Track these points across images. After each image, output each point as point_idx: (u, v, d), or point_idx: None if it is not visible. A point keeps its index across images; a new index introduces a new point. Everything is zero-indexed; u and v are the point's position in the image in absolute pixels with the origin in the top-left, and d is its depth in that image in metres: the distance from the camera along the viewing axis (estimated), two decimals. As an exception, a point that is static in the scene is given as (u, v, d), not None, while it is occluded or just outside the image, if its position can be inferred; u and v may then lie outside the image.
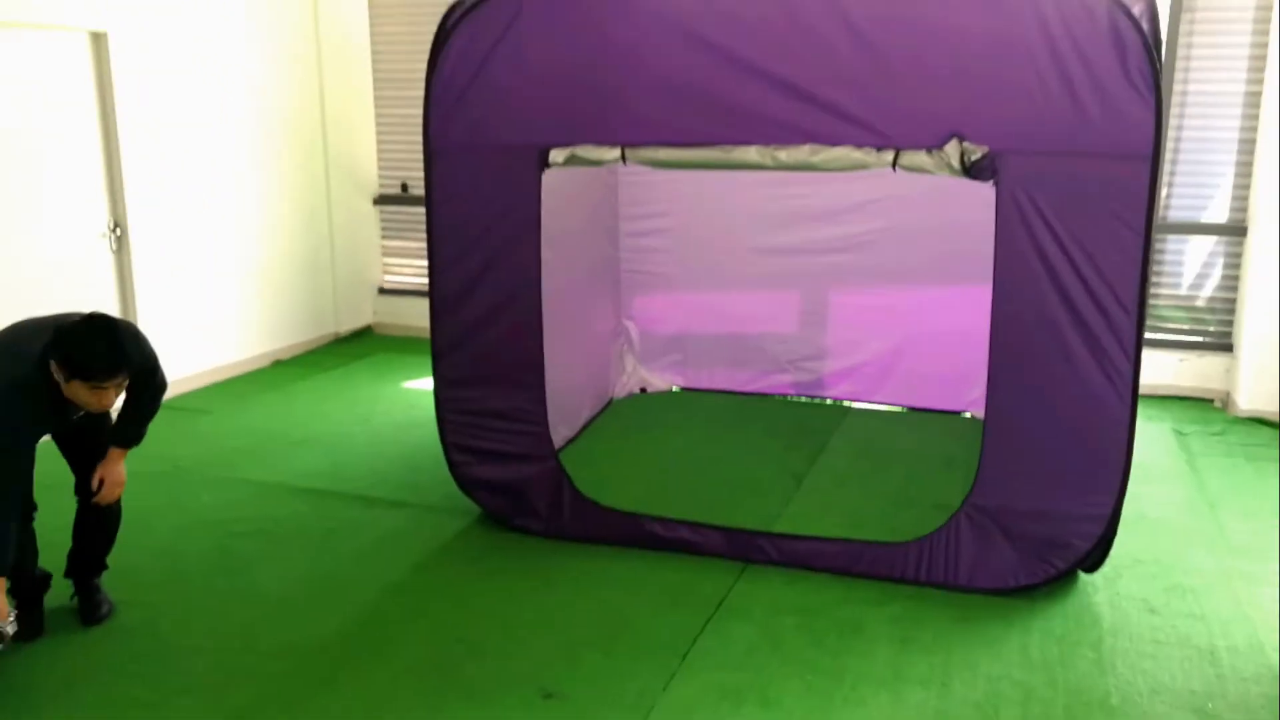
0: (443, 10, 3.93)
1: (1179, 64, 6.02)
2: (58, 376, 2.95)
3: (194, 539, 4.24)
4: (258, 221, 6.96)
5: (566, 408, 5.33)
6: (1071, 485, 3.54)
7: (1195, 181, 6.18)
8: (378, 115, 7.75)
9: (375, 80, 7.68)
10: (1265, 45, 5.78)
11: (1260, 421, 5.76)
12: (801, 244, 5.79)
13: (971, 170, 3.35)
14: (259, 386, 6.55)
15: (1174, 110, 6.09)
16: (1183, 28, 5.95)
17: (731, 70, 3.50)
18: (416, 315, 7.44)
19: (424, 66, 3.91)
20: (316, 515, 4.48)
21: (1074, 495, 3.54)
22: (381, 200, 7.91)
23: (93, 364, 2.92)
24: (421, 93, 3.92)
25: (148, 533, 4.23)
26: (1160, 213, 6.25)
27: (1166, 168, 6.18)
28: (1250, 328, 5.82)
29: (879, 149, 3.42)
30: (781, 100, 3.48)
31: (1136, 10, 3.22)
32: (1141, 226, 3.29)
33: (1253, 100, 5.91)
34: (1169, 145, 6.14)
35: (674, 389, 6.25)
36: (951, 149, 3.33)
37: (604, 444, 5.36)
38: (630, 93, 3.64)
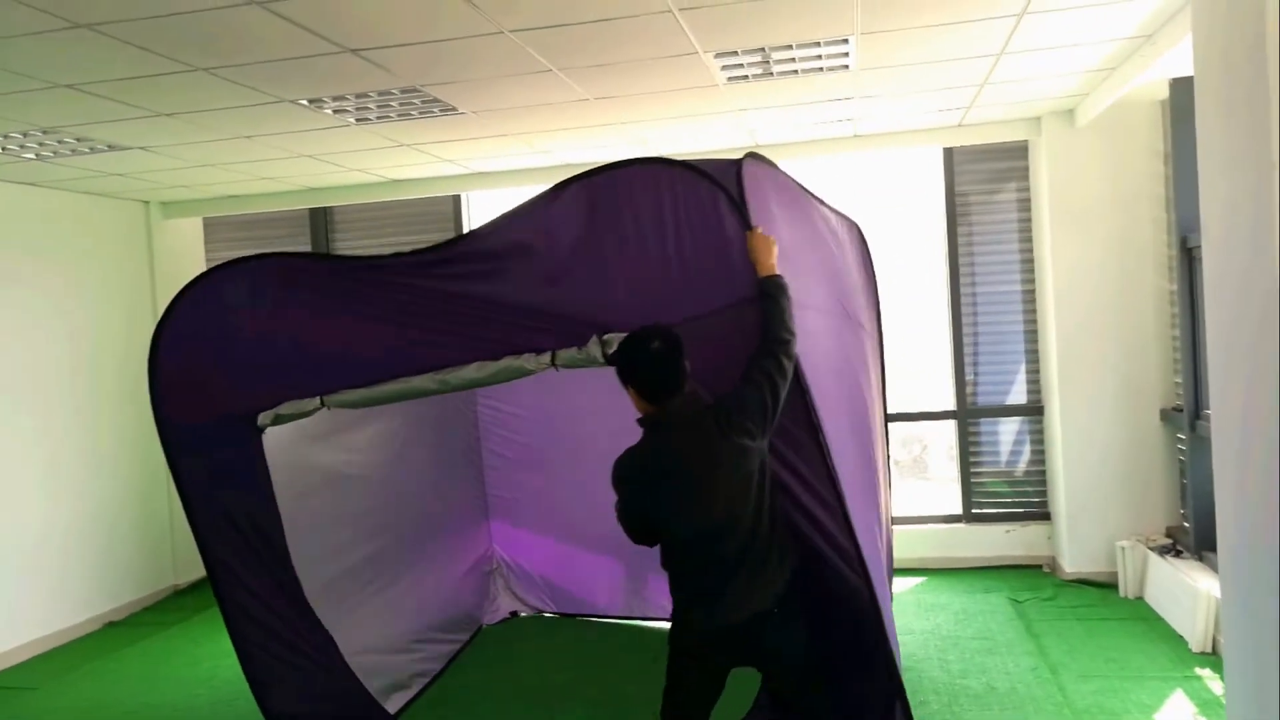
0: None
1: (964, 269, 6.79)
2: None
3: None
4: (80, 470, 6.71)
5: (426, 642, 5.26)
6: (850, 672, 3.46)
7: (995, 369, 6.86)
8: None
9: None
10: (1031, 251, 6.64)
11: (1085, 583, 6.19)
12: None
13: (611, 359, 3.39)
14: (88, 654, 6.14)
15: (968, 308, 6.82)
16: (961, 238, 6.77)
17: (398, 316, 3.74)
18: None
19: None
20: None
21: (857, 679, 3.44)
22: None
23: None
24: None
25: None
26: (969, 398, 6.87)
27: (969, 358, 6.86)
28: (1062, 497, 6.36)
29: (538, 353, 3.55)
30: (448, 329, 3.69)
31: (735, 193, 3.35)
32: (804, 391, 3.24)
33: (1029, 297, 6.70)
34: (970, 338, 6.84)
35: (546, 614, 6.22)
36: (593, 344, 3.45)
37: (473, 674, 5.25)
38: (319, 351, 3.83)
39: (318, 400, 3.82)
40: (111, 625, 6.69)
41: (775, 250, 3.22)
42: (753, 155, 3.59)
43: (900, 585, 6.39)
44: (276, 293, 3.87)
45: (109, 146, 5.45)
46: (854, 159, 6.90)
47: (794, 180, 4.28)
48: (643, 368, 3.02)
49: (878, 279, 5.53)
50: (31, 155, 5.55)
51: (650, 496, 3.03)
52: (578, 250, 3.47)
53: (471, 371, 3.62)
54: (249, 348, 3.88)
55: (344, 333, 3.79)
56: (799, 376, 3.18)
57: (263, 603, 4.18)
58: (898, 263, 7.06)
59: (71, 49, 3.77)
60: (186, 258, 7.61)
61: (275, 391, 3.86)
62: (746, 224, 3.24)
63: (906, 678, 4.79)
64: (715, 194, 3.29)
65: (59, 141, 5.27)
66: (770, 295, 3.13)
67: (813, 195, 4.52)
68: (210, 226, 7.79)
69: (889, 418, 7.06)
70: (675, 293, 3.33)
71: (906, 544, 6.79)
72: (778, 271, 3.18)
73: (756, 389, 3.00)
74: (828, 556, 3.22)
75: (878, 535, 3.98)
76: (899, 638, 5.41)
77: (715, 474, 2.96)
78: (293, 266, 3.98)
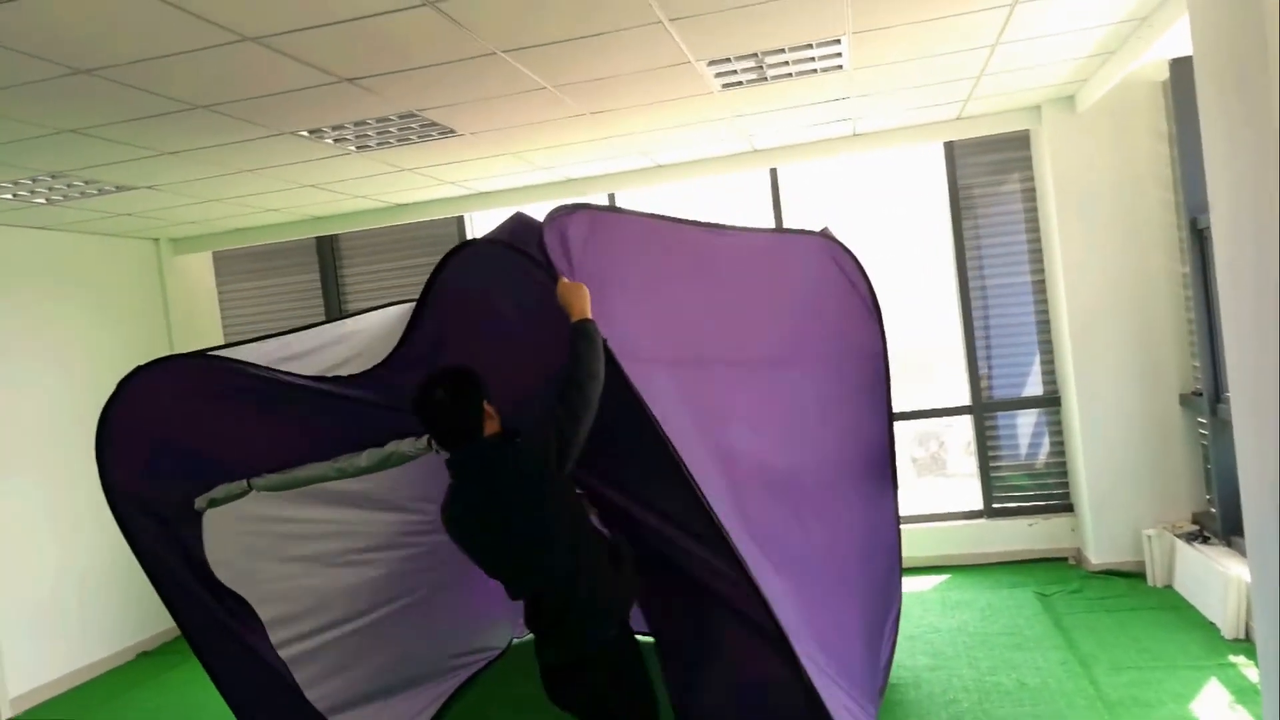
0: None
1: (971, 263, 6.76)
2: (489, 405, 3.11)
3: None
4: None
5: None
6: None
7: (1009, 361, 6.82)
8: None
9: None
10: (1039, 241, 6.60)
11: (1112, 574, 6.13)
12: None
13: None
14: (127, 683, 6.18)
15: (978, 302, 6.78)
16: (967, 231, 6.73)
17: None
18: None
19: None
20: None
21: None
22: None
23: None
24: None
25: None
26: (985, 392, 6.83)
27: (982, 352, 6.82)
28: (1085, 487, 6.30)
29: (416, 438, 3.71)
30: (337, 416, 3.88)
31: (537, 254, 3.38)
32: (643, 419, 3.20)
33: (1040, 287, 6.66)
34: (981, 331, 6.80)
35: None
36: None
37: (497, 688, 5.25)
38: (241, 439, 3.89)
39: (245, 484, 3.87)
40: (145, 655, 6.76)
41: (585, 295, 3.09)
42: (583, 207, 3.55)
43: (924, 583, 6.36)
44: (198, 389, 3.82)
45: (116, 187, 5.50)
46: (855, 159, 6.88)
47: (661, 222, 4.04)
48: (427, 418, 3.01)
49: (865, 297, 4.93)
50: (42, 200, 5.61)
51: (461, 539, 3.06)
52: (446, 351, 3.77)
53: (362, 460, 3.80)
54: (179, 440, 3.82)
55: (260, 426, 3.90)
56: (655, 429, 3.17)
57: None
58: (905, 260, 7.05)
59: (73, 95, 3.81)
60: (198, 291, 7.68)
61: (208, 479, 3.88)
62: (552, 277, 3.19)
63: (934, 676, 4.80)
64: (516, 259, 3.38)
65: (68, 185, 5.32)
66: (574, 340, 3.01)
67: (718, 227, 4.28)
68: (220, 259, 7.84)
69: (903, 415, 7.09)
70: (527, 359, 3.47)
71: (928, 541, 6.76)
72: (589, 316, 3.06)
73: (546, 430, 2.91)
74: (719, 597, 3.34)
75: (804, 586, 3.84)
76: (926, 635, 5.40)
77: (509, 517, 2.95)
78: (208, 369, 3.83)
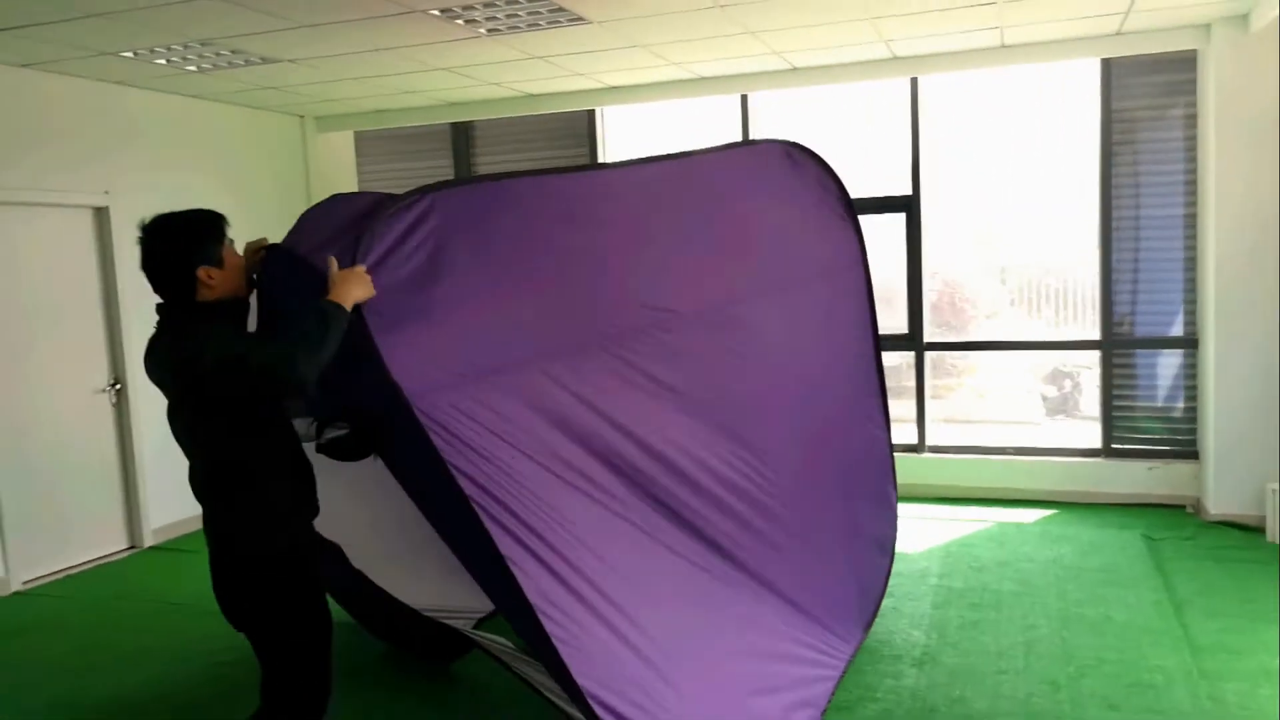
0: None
1: (1119, 192, 6.38)
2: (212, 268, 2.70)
3: (186, 668, 4.42)
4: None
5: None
6: None
7: (1150, 298, 6.46)
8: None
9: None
10: (1195, 173, 6.18)
11: (1230, 525, 5.85)
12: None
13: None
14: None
15: (1125, 234, 6.42)
16: (1117, 158, 6.35)
17: None
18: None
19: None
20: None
21: None
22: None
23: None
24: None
25: (140, 667, 4.42)
26: (1122, 328, 6.51)
27: (1123, 286, 6.47)
28: (1212, 435, 5.99)
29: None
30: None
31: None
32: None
33: (1190, 222, 6.26)
34: (1125, 265, 6.44)
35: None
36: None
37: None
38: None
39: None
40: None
41: (355, 279, 2.56)
42: (442, 185, 2.95)
43: (1027, 515, 6.23)
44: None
45: (261, 59, 5.75)
46: (1002, 73, 6.55)
47: (530, 179, 3.36)
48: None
49: (835, 200, 4.46)
50: (193, 68, 5.92)
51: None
52: None
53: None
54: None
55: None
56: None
57: None
58: (1043, 185, 6.72)
59: (215, -42, 3.99)
60: (340, 170, 8.00)
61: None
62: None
63: (1017, 601, 4.74)
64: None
65: (216, 54, 5.60)
66: (308, 314, 2.51)
67: (619, 165, 3.84)
68: (361, 140, 8.12)
69: (1023, 345, 6.85)
70: None
71: (1039, 475, 6.59)
72: (345, 303, 2.52)
73: (244, 353, 2.53)
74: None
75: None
76: (1017, 564, 5.31)
77: (175, 398, 2.72)
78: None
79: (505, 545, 2.61)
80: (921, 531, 5.95)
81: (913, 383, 6.99)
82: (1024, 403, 7.49)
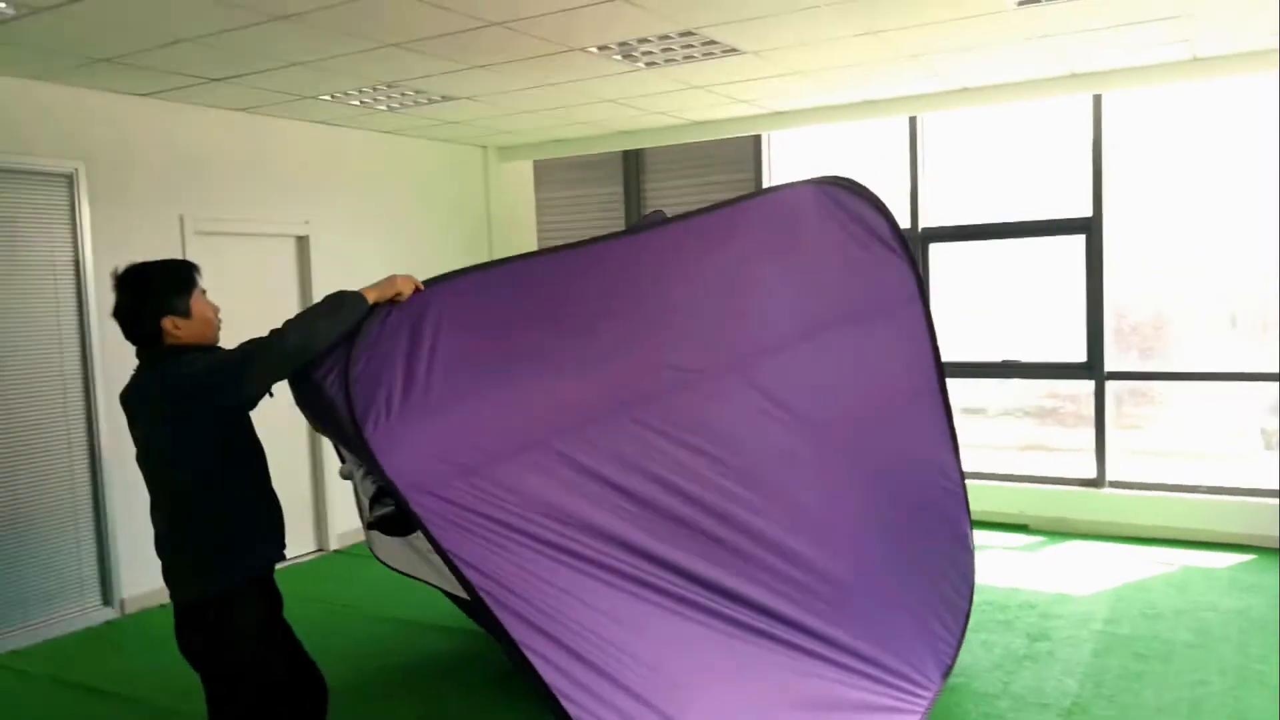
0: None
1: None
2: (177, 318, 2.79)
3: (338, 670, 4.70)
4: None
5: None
6: None
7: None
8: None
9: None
10: None
11: None
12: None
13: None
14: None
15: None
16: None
17: None
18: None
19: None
20: (455, 651, 4.84)
21: None
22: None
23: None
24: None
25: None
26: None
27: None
28: None
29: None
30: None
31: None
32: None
33: None
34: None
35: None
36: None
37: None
38: None
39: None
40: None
41: (389, 282, 2.94)
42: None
43: (1218, 559, 5.80)
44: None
45: (442, 97, 6.15)
46: (1191, 87, 6.14)
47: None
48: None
49: (885, 234, 4.30)
50: (384, 107, 6.40)
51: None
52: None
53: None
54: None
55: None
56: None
57: None
58: (1224, 205, 6.22)
59: (390, 10, 4.33)
60: (519, 197, 8.40)
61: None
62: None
63: (1190, 653, 4.43)
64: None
65: (401, 94, 6.03)
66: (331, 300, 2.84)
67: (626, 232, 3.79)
68: (540, 168, 8.49)
69: (1193, 376, 6.32)
70: None
71: (1234, 515, 6.10)
72: (365, 294, 2.87)
73: (212, 362, 2.74)
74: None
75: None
76: (1198, 612, 4.95)
77: (147, 431, 2.80)
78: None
79: (520, 632, 2.59)
80: (1092, 573, 5.64)
81: (1091, 411, 6.62)
82: (1238, 435, 6.89)
